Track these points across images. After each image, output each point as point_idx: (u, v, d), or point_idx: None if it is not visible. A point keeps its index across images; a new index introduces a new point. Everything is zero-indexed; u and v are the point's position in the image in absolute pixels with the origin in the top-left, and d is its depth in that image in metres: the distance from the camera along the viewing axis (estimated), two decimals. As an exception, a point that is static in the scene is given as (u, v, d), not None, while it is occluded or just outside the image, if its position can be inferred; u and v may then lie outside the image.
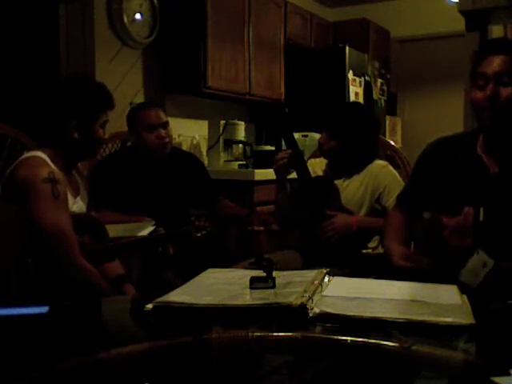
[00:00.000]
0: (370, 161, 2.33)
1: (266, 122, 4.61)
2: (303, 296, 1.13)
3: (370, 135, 2.34)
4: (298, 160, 2.28)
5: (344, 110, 2.41)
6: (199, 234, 2.10)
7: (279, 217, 2.48)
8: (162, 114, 2.52)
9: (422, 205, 1.78)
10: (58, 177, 1.82)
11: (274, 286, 1.23)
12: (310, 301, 1.12)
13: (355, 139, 2.27)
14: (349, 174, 2.33)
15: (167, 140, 2.50)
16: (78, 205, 1.95)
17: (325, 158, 2.42)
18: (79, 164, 2.09)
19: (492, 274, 1.51)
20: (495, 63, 1.58)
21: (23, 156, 1.90)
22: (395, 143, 2.86)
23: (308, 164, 2.38)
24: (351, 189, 2.31)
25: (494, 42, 1.79)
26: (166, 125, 2.51)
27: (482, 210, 1.48)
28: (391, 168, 2.34)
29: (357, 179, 2.32)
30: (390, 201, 2.20)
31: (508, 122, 1.60)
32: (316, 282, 1.25)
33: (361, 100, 4.97)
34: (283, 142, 3.45)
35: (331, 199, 2.29)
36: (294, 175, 2.33)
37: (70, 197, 1.91)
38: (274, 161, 2.33)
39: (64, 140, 1.91)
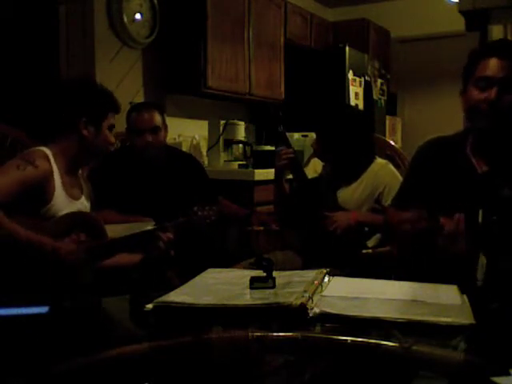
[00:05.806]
0: (369, 163, 2.31)
1: (265, 123, 4.61)
2: (303, 296, 1.12)
3: (358, 136, 2.29)
4: (293, 162, 2.29)
5: (328, 114, 2.37)
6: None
7: (279, 216, 2.48)
8: (156, 117, 2.45)
9: (417, 208, 1.76)
10: (38, 163, 1.81)
11: (274, 286, 1.23)
12: (310, 301, 1.12)
13: (342, 141, 2.24)
14: (348, 180, 2.30)
15: (150, 146, 2.42)
16: (77, 207, 1.94)
17: (321, 160, 2.42)
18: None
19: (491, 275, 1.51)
20: (501, 67, 1.56)
21: (27, 150, 1.90)
22: (395, 143, 2.86)
23: (311, 163, 2.39)
24: (350, 188, 2.30)
25: (496, 43, 1.75)
26: (156, 129, 2.44)
27: (480, 211, 1.46)
28: (391, 166, 2.32)
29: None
30: (390, 200, 2.18)
31: (506, 127, 1.60)
32: (316, 282, 1.25)
33: (361, 100, 4.97)
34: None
35: (328, 200, 2.28)
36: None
37: (68, 198, 1.91)
38: (276, 157, 2.33)
39: (73, 136, 1.93)
